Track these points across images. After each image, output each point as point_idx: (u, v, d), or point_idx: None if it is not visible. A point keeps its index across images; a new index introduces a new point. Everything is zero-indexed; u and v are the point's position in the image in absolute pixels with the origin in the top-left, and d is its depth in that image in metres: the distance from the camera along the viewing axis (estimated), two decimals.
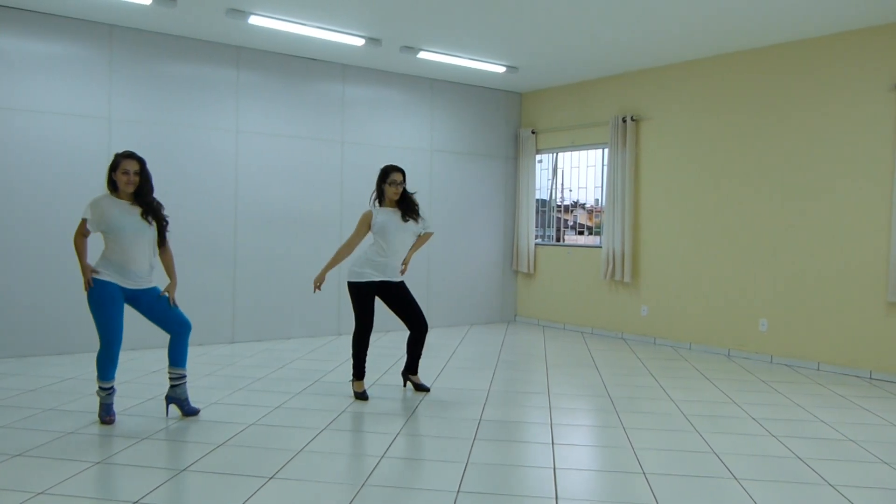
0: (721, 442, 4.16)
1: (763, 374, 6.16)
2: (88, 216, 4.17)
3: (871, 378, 6.04)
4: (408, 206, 5.02)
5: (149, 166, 4.31)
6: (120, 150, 4.31)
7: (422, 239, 5.17)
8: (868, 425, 4.61)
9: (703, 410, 4.89)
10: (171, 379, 4.42)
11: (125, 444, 3.88)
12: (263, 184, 7.32)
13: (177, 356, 4.39)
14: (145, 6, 5.86)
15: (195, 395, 4.95)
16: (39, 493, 3.15)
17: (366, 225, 4.98)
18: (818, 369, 6.37)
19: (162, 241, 4.33)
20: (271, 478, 3.42)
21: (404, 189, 5.02)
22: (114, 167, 4.20)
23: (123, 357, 6.22)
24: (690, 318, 7.36)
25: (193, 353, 6.35)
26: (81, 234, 4.21)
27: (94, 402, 4.68)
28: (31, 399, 4.79)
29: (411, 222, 5.02)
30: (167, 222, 4.36)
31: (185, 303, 5.17)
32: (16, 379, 5.35)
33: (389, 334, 7.67)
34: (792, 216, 6.55)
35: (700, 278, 7.27)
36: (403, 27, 6.44)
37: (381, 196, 5.03)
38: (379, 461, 3.71)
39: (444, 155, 8.62)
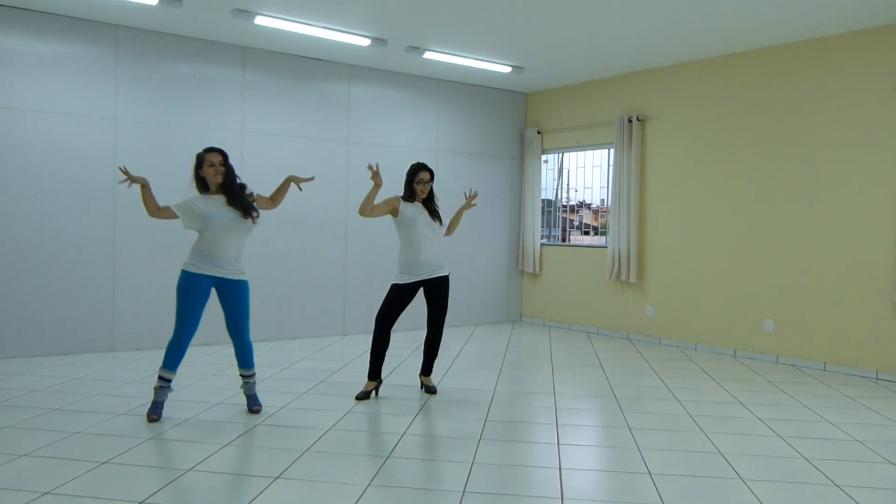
0: (727, 442, 4.15)
1: (769, 375, 6.14)
2: (178, 210, 4.23)
3: (877, 378, 6.02)
4: (433, 209, 5.14)
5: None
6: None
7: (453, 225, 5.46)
8: (874, 426, 4.59)
9: (708, 411, 4.88)
10: (241, 376, 4.64)
11: (131, 444, 3.89)
12: (269, 184, 7.20)
13: (240, 358, 4.58)
14: (151, 6, 5.87)
15: (199, 394, 4.98)
16: (45, 494, 3.16)
17: (390, 206, 4.99)
18: (824, 369, 6.35)
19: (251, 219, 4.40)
20: (277, 478, 3.43)
21: (431, 189, 5.13)
22: (199, 164, 4.32)
23: (134, 356, 6.27)
24: (696, 318, 7.34)
25: (199, 353, 6.36)
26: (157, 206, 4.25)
27: (99, 403, 4.72)
28: (36, 399, 4.80)
29: (437, 224, 5.14)
30: (255, 208, 4.43)
31: None
32: (21, 379, 5.37)
33: (395, 334, 7.64)
34: (797, 216, 6.53)
35: (706, 278, 7.25)
36: (409, 27, 6.44)
37: (409, 194, 5.08)
38: (385, 461, 3.71)
39: (450, 155, 8.62)
